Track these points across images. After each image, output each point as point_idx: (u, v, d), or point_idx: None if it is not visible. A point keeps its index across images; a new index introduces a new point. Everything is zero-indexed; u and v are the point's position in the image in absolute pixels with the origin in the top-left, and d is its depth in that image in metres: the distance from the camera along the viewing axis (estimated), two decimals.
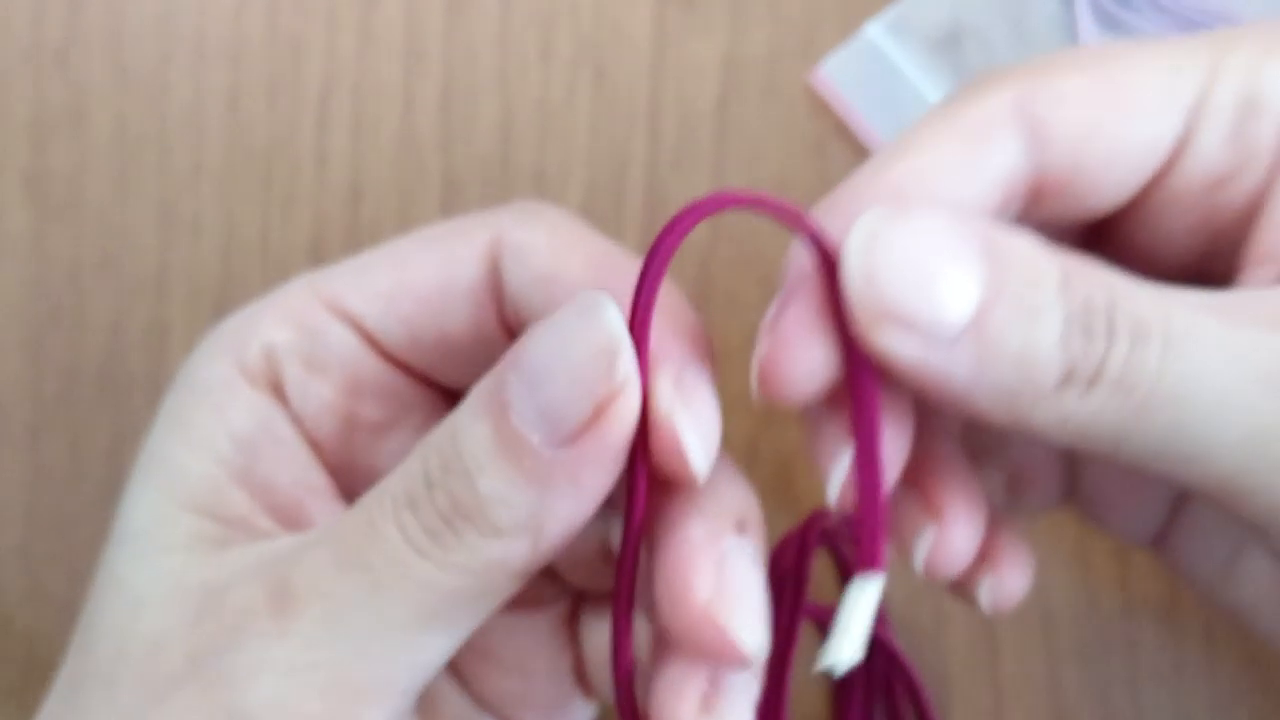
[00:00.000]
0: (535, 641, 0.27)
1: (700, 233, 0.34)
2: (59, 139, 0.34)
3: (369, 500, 0.21)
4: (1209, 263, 0.23)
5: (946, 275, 0.19)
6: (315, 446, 0.24)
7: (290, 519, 0.23)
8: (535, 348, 0.20)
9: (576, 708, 0.27)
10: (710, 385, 0.21)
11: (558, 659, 0.27)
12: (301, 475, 0.24)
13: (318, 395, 0.24)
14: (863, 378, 0.20)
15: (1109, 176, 0.22)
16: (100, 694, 0.22)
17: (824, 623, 0.30)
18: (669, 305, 0.21)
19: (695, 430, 0.20)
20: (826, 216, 0.20)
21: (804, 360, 0.20)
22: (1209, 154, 0.22)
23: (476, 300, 0.24)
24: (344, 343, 0.24)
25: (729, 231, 0.34)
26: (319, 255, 0.34)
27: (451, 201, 0.34)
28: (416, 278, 0.24)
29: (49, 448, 0.34)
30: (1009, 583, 0.23)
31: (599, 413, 0.19)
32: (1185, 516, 0.26)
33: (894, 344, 0.19)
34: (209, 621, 0.21)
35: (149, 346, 0.34)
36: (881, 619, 0.31)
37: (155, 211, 0.34)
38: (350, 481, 0.25)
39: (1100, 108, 0.21)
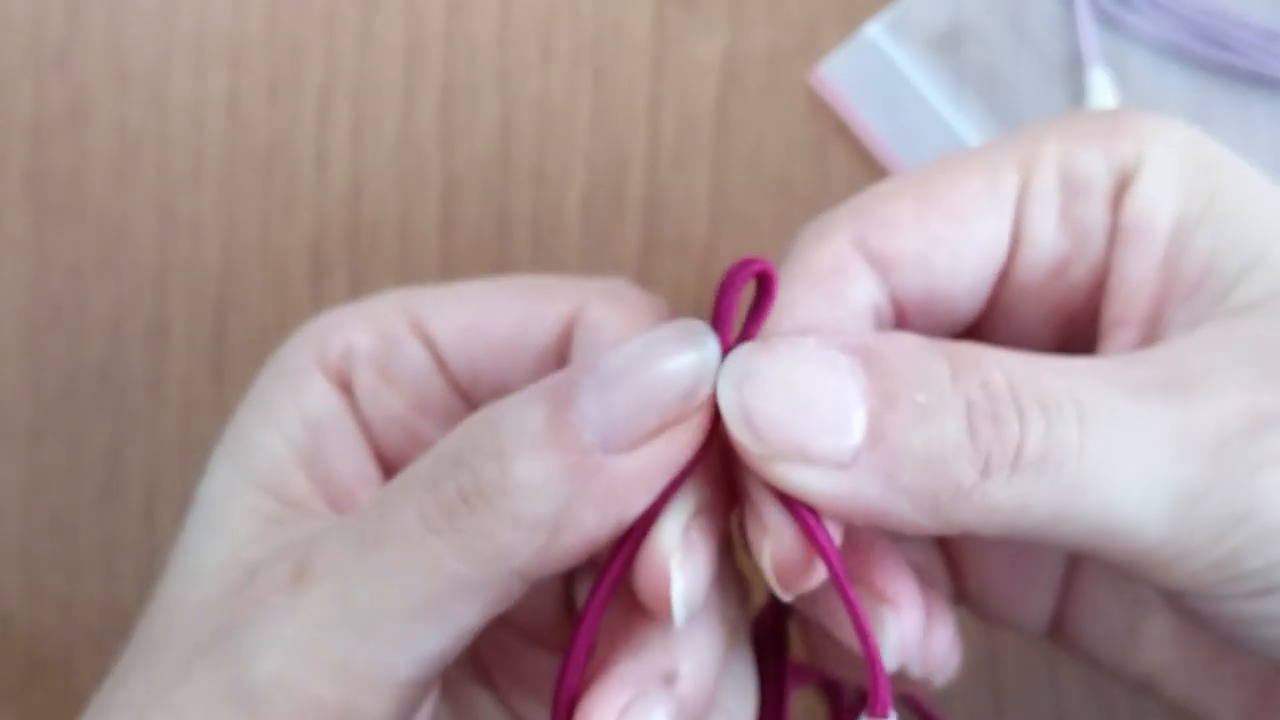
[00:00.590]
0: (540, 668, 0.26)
1: (701, 233, 0.34)
2: (59, 139, 0.34)
3: (397, 480, 0.21)
4: (1070, 345, 0.23)
5: (827, 397, 0.19)
6: (380, 454, 0.25)
7: (343, 508, 0.24)
8: (620, 351, 0.19)
9: None
10: (715, 540, 0.20)
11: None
12: (359, 468, 0.24)
13: (386, 405, 0.25)
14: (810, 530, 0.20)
15: (956, 288, 0.22)
16: (143, 662, 0.22)
17: (811, 682, 0.30)
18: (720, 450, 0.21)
19: (687, 584, 0.20)
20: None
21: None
22: (1044, 241, 0.22)
23: (543, 361, 0.24)
24: (418, 360, 0.24)
25: (729, 231, 0.34)
26: (319, 255, 0.34)
27: (451, 201, 0.34)
28: (494, 323, 0.24)
29: (49, 448, 0.34)
30: (940, 646, 0.23)
31: (661, 430, 0.19)
32: (1076, 597, 0.26)
33: (795, 479, 0.19)
34: (238, 596, 0.21)
35: (149, 346, 0.34)
36: None
37: (155, 211, 0.34)
38: None
39: (930, 224, 0.22)
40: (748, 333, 0.20)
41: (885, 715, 0.20)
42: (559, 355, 0.24)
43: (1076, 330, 0.23)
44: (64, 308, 0.34)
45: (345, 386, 0.25)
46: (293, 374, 0.24)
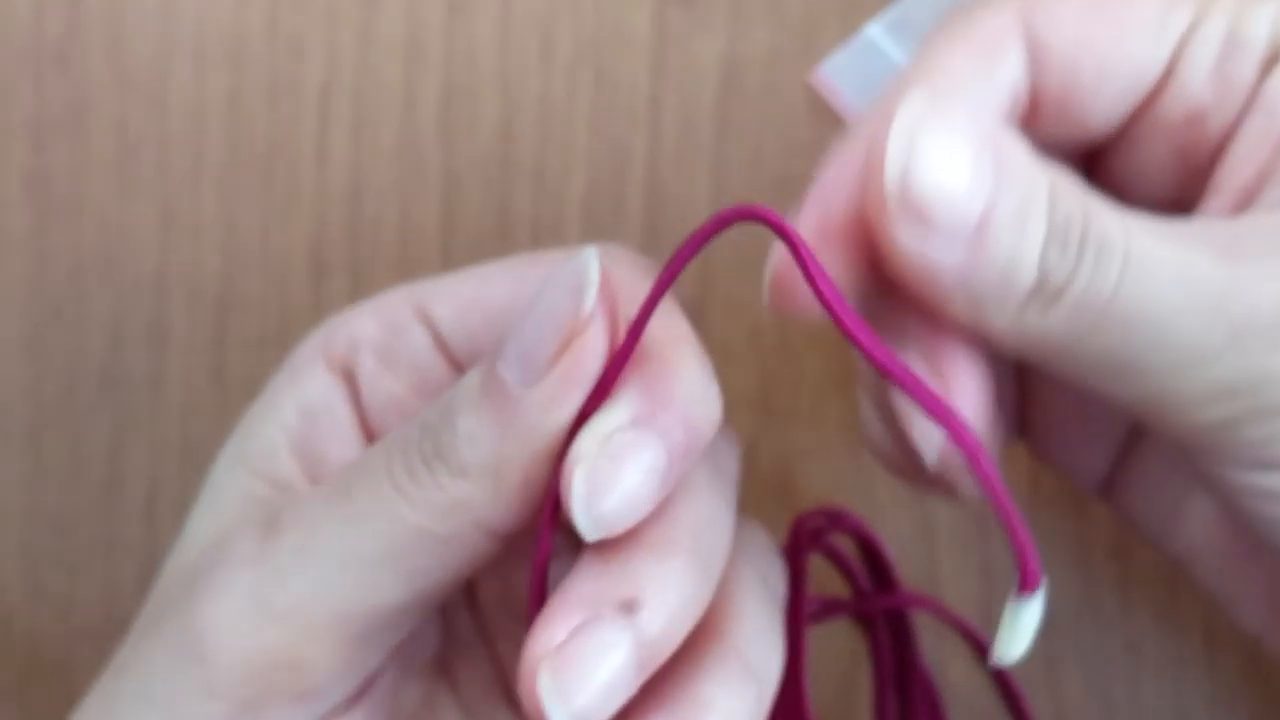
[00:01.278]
0: None
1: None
2: (59, 139, 0.34)
3: (373, 447, 0.22)
4: (1182, 204, 0.24)
5: (965, 180, 0.19)
6: (376, 438, 0.25)
7: None
8: (530, 300, 0.20)
9: None
10: (656, 459, 0.20)
11: None
12: (348, 453, 0.25)
13: (387, 389, 0.25)
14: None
15: (1099, 98, 0.23)
16: (132, 632, 0.23)
17: (836, 614, 0.30)
18: (665, 337, 0.21)
19: (592, 488, 0.19)
20: (869, 121, 0.22)
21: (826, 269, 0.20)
22: (1192, 85, 0.23)
23: None
24: (419, 344, 0.25)
25: (729, 231, 0.34)
26: (319, 255, 0.34)
27: (452, 201, 0.34)
28: (489, 295, 0.25)
29: (49, 447, 0.34)
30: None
31: (562, 349, 0.20)
32: (1134, 462, 0.27)
33: (906, 240, 0.20)
34: (210, 553, 0.22)
35: (149, 346, 0.34)
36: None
37: (155, 211, 0.34)
38: None
39: (1095, 28, 0.22)
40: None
41: (1036, 588, 0.20)
42: None
43: (1191, 186, 0.24)
44: (64, 307, 0.34)
45: (348, 375, 0.25)
46: (296, 368, 0.25)
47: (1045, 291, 0.20)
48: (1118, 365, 0.20)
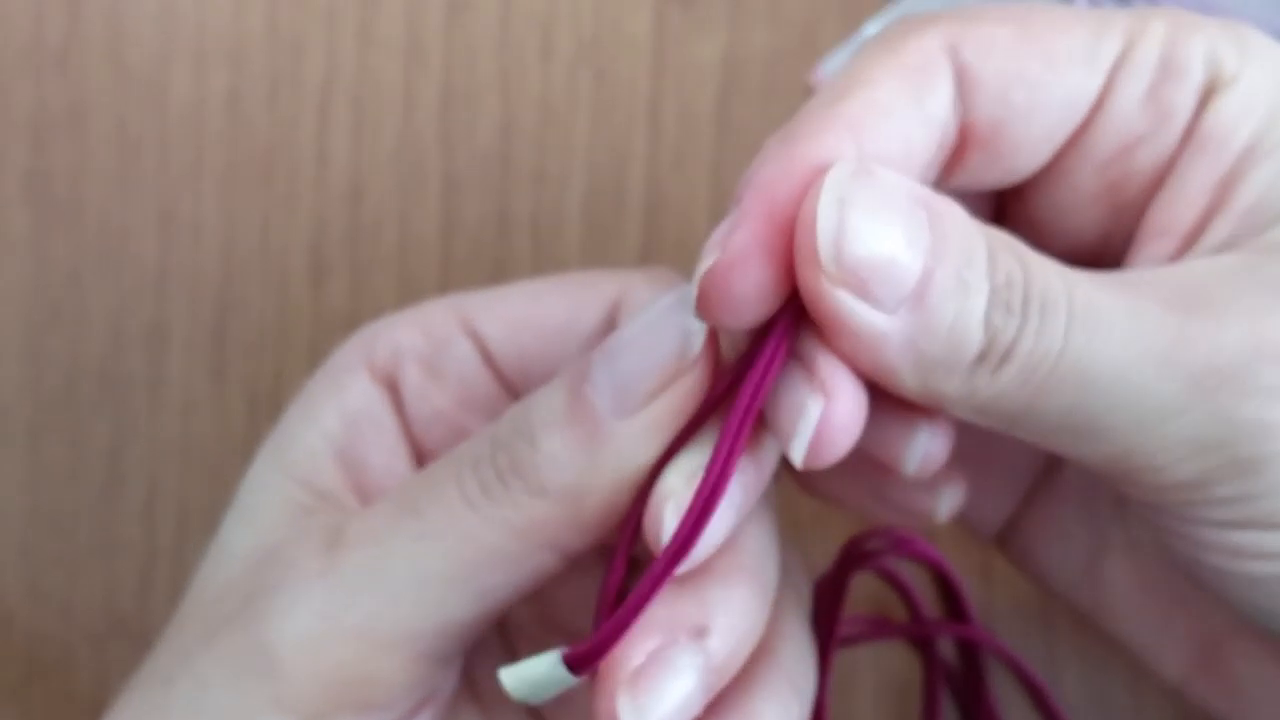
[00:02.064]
0: None
1: (701, 233, 0.34)
2: (59, 139, 0.34)
3: (439, 462, 0.22)
4: (1108, 243, 0.23)
5: (900, 243, 0.19)
6: (420, 450, 0.25)
7: (372, 501, 0.24)
8: (624, 328, 0.21)
9: None
10: (735, 488, 0.20)
11: None
12: (393, 463, 0.25)
13: (432, 402, 0.25)
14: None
15: (1029, 131, 0.22)
16: (173, 639, 0.23)
17: (887, 636, 0.31)
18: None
19: (676, 521, 0.20)
20: (783, 149, 0.20)
21: (754, 279, 0.19)
22: (1126, 113, 0.22)
23: (589, 345, 0.25)
24: (466, 357, 0.25)
25: None
26: (319, 255, 0.34)
27: (452, 201, 0.34)
28: (543, 314, 0.25)
29: (49, 448, 0.34)
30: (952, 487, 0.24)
31: (662, 388, 0.20)
32: (1039, 512, 0.26)
33: (845, 307, 0.19)
34: (267, 566, 0.22)
35: (149, 347, 0.34)
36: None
37: (155, 212, 0.34)
38: None
39: (1025, 58, 0.21)
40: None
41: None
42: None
43: (1120, 223, 0.23)
44: (64, 307, 0.34)
45: (391, 385, 0.25)
46: (338, 374, 0.25)
47: (993, 355, 0.19)
48: (1079, 426, 0.20)
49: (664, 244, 0.34)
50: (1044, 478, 0.26)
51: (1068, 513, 0.26)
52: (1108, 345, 0.19)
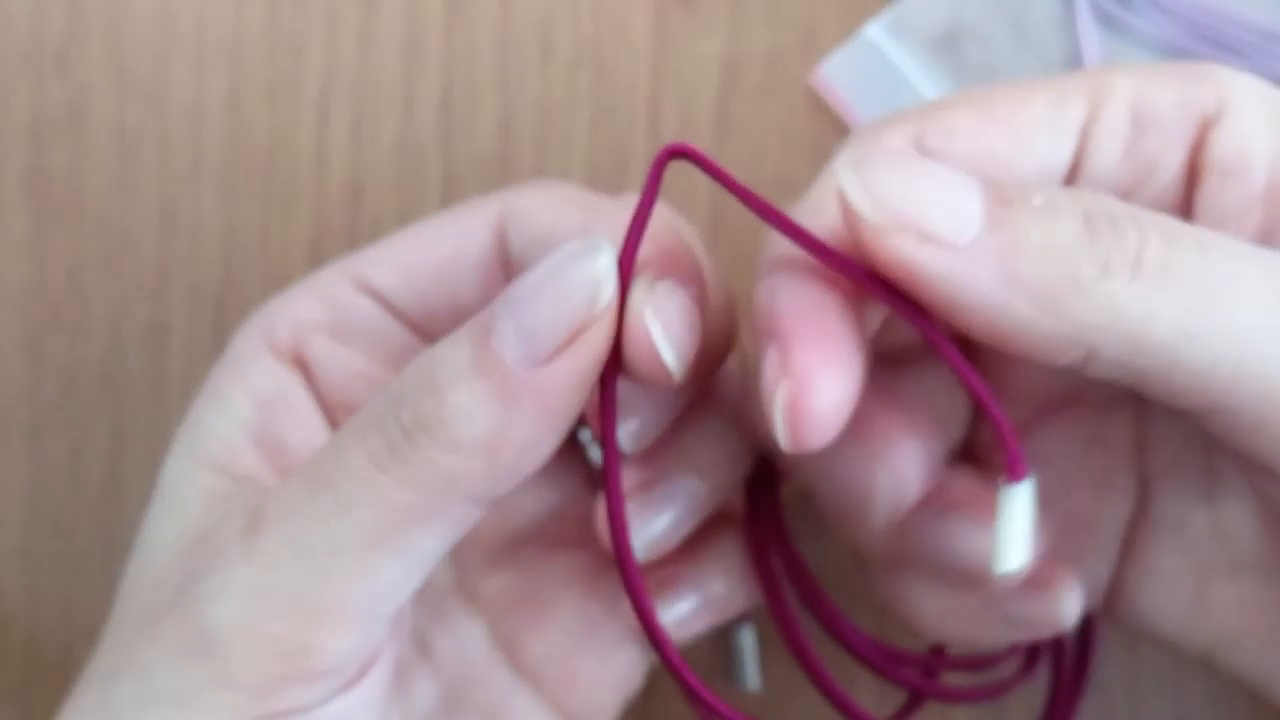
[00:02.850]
0: (569, 586, 0.27)
1: (700, 232, 0.34)
2: (59, 139, 0.34)
3: (344, 427, 0.22)
4: None
5: (945, 182, 0.19)
6: (348, 412, 0.25)
7: None
8: (526, 277, 0.20)
9: (619, 678, 0.27)
10: (687, 295, 0.21)
11: (588, 604, 0.27)
12: (311, 438, 0.25)
13: (347, 364, 0.25)
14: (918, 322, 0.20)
15: None
16: (111, 637, 0.23)
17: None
18: (658, 235, 0.22)
19: (664, 326, 0.20)
20: (785, 268, 0.21)
21: (834, 390, 0.19)
22: (1105, 172, 0.22)
23: (485, 268, 0.25)
24: (370, 314, 0.25)
25: (728, 231, 0.34)
26: (319, 255, 0.34)
27: (451, 201, 0.34)
28: (431, 251, 0.25)
29: (49, 448, 0.34)
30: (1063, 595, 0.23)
31: (574, 337, 0.20)
32: (1136, 563, 0.25)
33: (911, 253, 0.19)
34: (195, 554, 0.22)
35: (149, 346, 0.34)
36: None
37: (155, 211, 0.34)
38: None
39: (990, 137, 0.22)
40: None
41: (1024, 474, 0.20)
42: (499, 256, 0.25)
43: None
44: (64, 307, 0.34)
45: (299, 362, 0.25)
46: (241, 361, 0.25)
47: (1118, 263, 0.18)
48: (1236, 355, 0.19)
49: None
50: (1132, 527, 0.25)
51: (1164, 552, 0.25)
52: (1250, 269, 0.19)
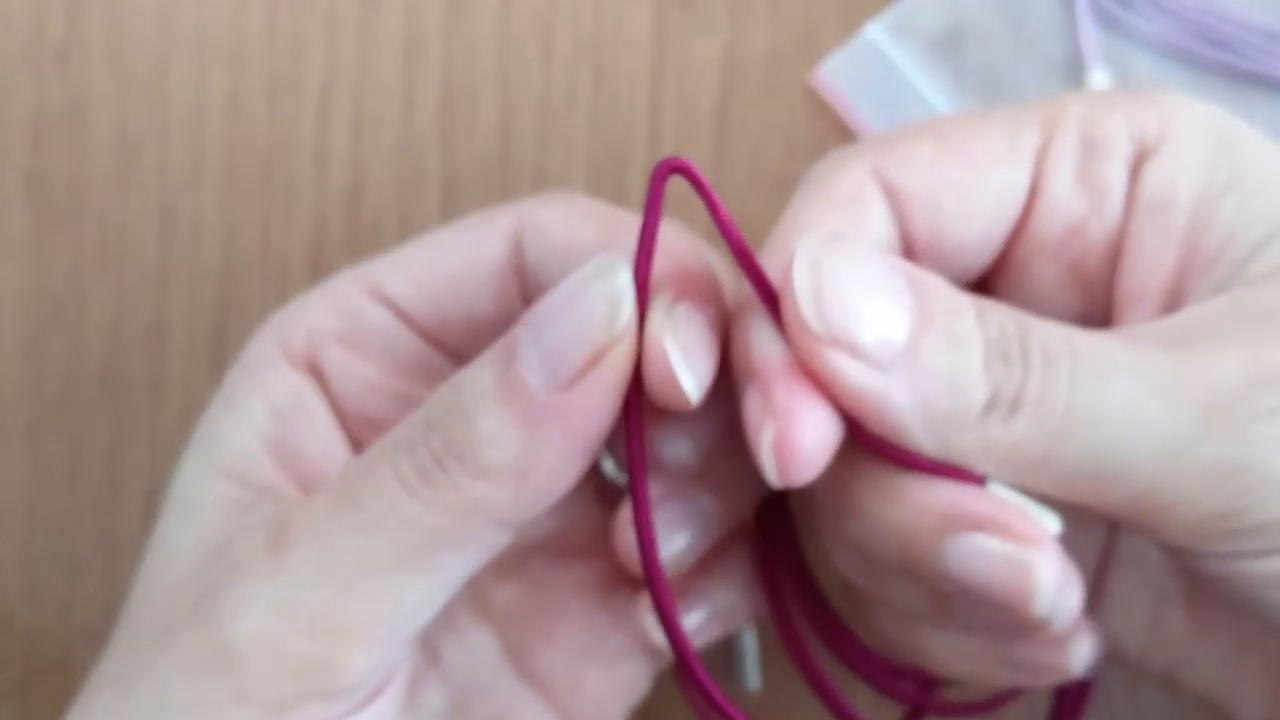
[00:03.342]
0: (579, 597, 0.27)
1: (700, 233, 0.34)
2: (59, 139, 0.34)
3: (373, 448, 0.22)
4: (1088, 322, 0.23)
5: (883, 302, 0.20)
6: (360, 424, 0.25)
7: (312, 489, 0.24)
8: (546, 299, 0.21)
9: (625, 688, 0.27)
10: (705, 318, 0.21)
11: (597, 615, 0.27)
12: (327, 448, 0.25)
13: (360, 373, 0.25)
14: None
15: (968, 232, 0.23)
16: (126, 644, 0.23)
17: None
18: (676, 255, 0.22)
19: (683, 351, 0.20)
20: (754, 315, 0.21)
21: (817, 427, 0.20)
22: (1061, 198, 0.23)
23: (500, 279, 0.25)
24: (383, 323, 0.25)
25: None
26: (319, 255, 0.34)
27: (451, 201, 0.34)
28: (446, 261, 0.25)
29: (49, 448, 0.34)
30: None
31: (596, 360, 0.20)
32: (1103, 593, 0.26)
33: (839, 367, 0.20)
34: (214, 566, 0.22)
35: (149, 347, 0.34)
36: None
37: (155, 212, 0.34)
38: None
39: (948, 167, 0.22)
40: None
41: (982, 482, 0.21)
42: (514, 267, 0.25)
43: (1093, 300, 0.24)
44: (64, 308, 0.34)
45: (314, 370, 0.25)
46: (258, 367, 0.25)
47: (1001, 404, 0.20)
48: (1100, 469, 0.20)
49: None
50: (1102, 559, 0.26)
51: (1126, 582, 0.26)
52: (1115, 386, 0.20)
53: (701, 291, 0.21)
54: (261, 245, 0.34)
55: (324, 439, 0.25)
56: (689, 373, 0.20)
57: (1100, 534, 0.26)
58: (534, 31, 0.34)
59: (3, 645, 0.34)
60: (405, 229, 0.34)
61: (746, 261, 0.21)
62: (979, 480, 0.21)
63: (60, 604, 0.34)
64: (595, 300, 0.20)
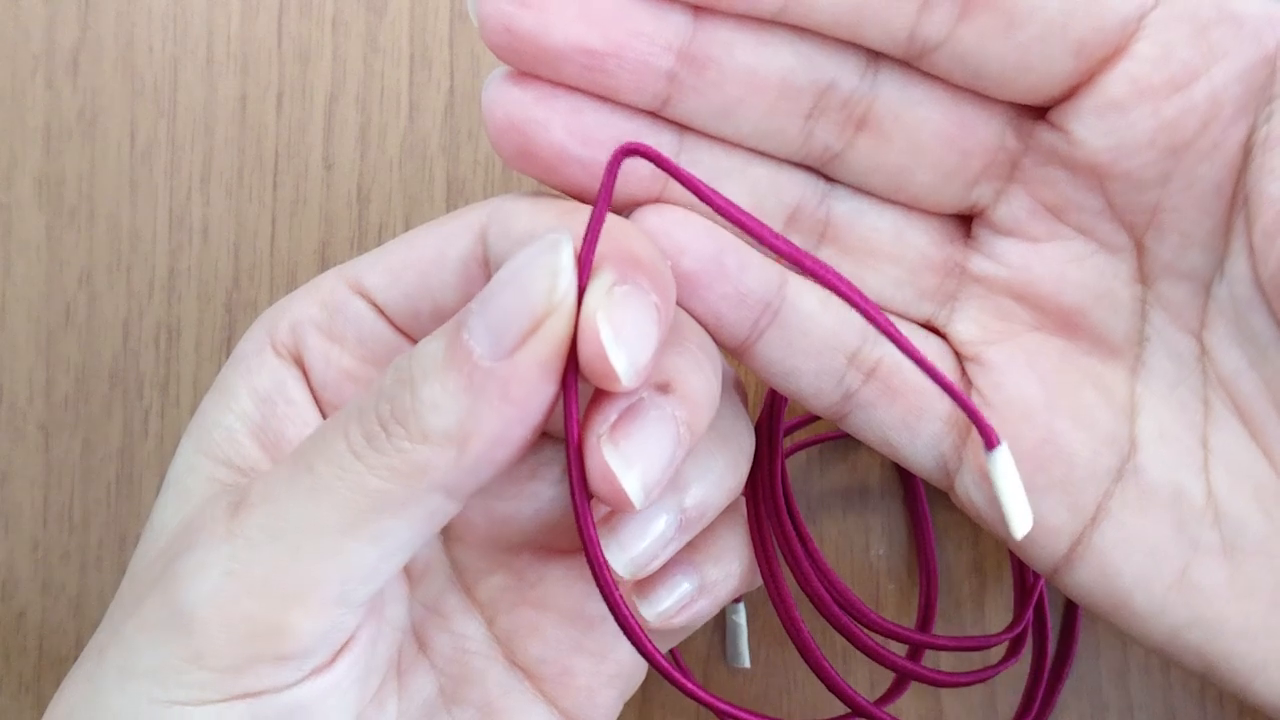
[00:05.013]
0: (566, 586, 0.27)
1: None
2: (71, 144, 0.35)
3: (331, 417, 0.22)
4: (1167, 186, 0.23)
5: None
6: (338, 407, 0.26)
7: None
8: (497, 276, 0.21)
9: (617, 677, 0.27)
10: (647, 302, 0.21)
11: (585, 604, 0.27)
12: (306, 431, 0.25)
13: (338, 363, 0.25)
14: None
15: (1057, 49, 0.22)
16: (110, 615, 0.23)
17: None
18: (625, 239, 0.22)
19: (615, 329, 0.20)
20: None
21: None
22: (1171, 43, 0.22)
23: (465, 270, 0.25)
24: (360, 316, 0.25)
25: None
26: (326, 257, 0.34)
27: (456, 205, 0.34)
28: (418, 254, 0.25)
29: (61, 446, 0.34)
30: None
31: (534, 329, 0.20)
32: (1122, 524, 0.24)
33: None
34: (182, 534, 0.23)
35: (159, 347, 0.34)
36: None
37: (165, 215, 0.34)
38: None
39: None
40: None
41: (998, 442, 0.22)
42: (481, 258, 0.25)
43: (1180, 170, 0.23)
44: (76, 309, 0.34)
45: (297, 359, 0.26)
46: (246, 356, 0.26)
47: None
48: None
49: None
50: (1119, 486, 0.24)
51: (1152, 521, 0.24)
52: None
53: (648, 277, 0.21)
54: (269, 248, 0.34)
55: (304, 424, 0.25)
56: (621, 352, 0.21)
57: (1113, 452, 0.24)
58: None
59: (17, 638, 0.34)
60: None
61: (729, 207, 0.21)
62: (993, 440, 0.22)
63: (72, 598, 0.34)
64: (537, 272, 0.21)
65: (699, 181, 0.21)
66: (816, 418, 0.32)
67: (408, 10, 0.34)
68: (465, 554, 0.27)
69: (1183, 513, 0.24)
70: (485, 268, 0.25)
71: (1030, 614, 0.31)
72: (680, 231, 0.24)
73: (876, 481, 0.33)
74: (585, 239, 0.21)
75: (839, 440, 0.34)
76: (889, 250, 0.25)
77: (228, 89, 0.34)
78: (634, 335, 0.21)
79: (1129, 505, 0.24)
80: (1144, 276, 0.24)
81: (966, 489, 0.24)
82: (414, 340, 0.26)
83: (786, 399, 0.28)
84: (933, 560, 0.33)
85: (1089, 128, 0.23)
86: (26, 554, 0.34)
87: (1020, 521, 0.23)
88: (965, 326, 0.25)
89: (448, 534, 0.27)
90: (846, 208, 0.25)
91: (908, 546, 0.33)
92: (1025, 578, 0.32)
